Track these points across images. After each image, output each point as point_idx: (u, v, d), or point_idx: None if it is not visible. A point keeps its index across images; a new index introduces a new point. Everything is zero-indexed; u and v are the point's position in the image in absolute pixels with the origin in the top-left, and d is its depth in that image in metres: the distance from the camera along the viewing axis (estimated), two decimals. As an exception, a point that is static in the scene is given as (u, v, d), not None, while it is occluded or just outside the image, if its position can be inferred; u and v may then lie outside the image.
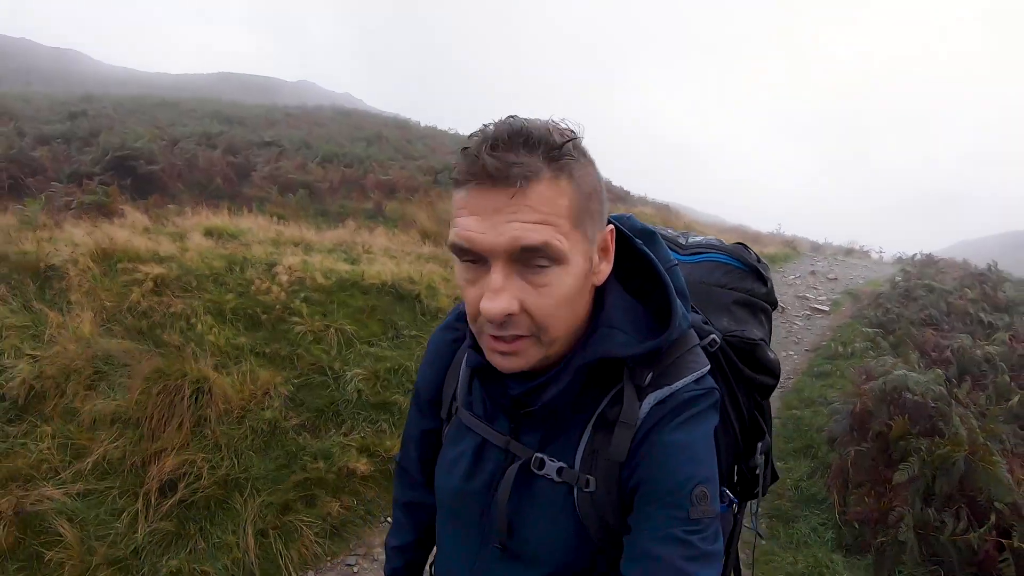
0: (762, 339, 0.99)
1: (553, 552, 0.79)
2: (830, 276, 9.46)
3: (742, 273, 1.03)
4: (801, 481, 3.41)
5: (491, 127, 0.68)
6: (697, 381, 0.77)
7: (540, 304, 0.69)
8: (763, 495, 1.05)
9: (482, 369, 0.79)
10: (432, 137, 17.17)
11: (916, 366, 4.01)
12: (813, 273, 9.67)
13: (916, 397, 3.20)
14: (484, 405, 0.86)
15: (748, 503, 1.07)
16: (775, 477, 1.08)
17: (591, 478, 0.76)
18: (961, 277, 7.16)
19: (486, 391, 0.82)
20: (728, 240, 1.12)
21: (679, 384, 0.75)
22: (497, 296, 0.67)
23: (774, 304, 1.06)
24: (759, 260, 1.07)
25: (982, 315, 5.76)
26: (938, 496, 2.84)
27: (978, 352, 4.61)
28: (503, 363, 0.73)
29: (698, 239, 1.08)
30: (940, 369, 4.12)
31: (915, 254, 10.50)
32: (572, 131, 0.70)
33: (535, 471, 0.79)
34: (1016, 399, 3.76)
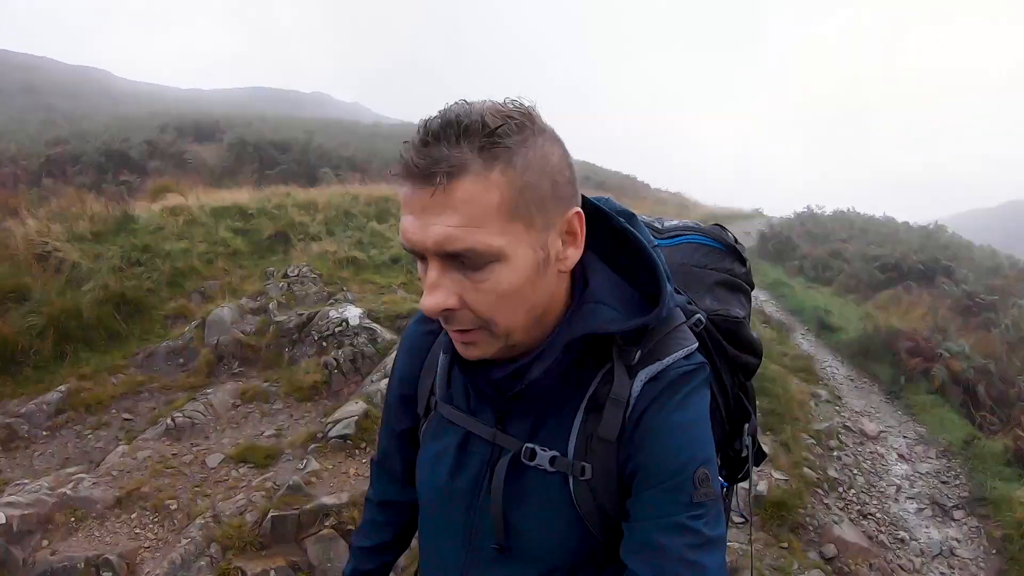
0: (745, 317, 1.02)
1: (551, 548, 0.79)
2: (774, 221, 18.24)
3: (721, 253, 1.07)
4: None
5: (428, 118, 0.67)
6: (687, 357, 0.78)
7: (480, 300, 0.70)
8: (750, 476, 1.08)
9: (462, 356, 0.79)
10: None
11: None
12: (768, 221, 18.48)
13: (778, 232, 11.90)
14: (467, 396, 0.85)
15: (735, 487, 1.11)
16: (761, 456, 1.08)
17: (587, 465, 0.76)
18: (834, 215, 15.97)
19: (468, 379, 0.82)
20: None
21: (669, 360, 0.77)
22: (432, 293, 0.69)
23: (752, 285, 1.10)
24: (736, 241, 1.10)
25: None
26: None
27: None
28: (464, 352, 0.76)
29: (674, 223, 1.11)
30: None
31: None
32: (518, 110, 0.68)
33: (526, 462, 0.78)
34: (808, 262, 12.49)
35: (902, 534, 3.50)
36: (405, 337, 1.00)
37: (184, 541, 2.66)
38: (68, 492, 2.94)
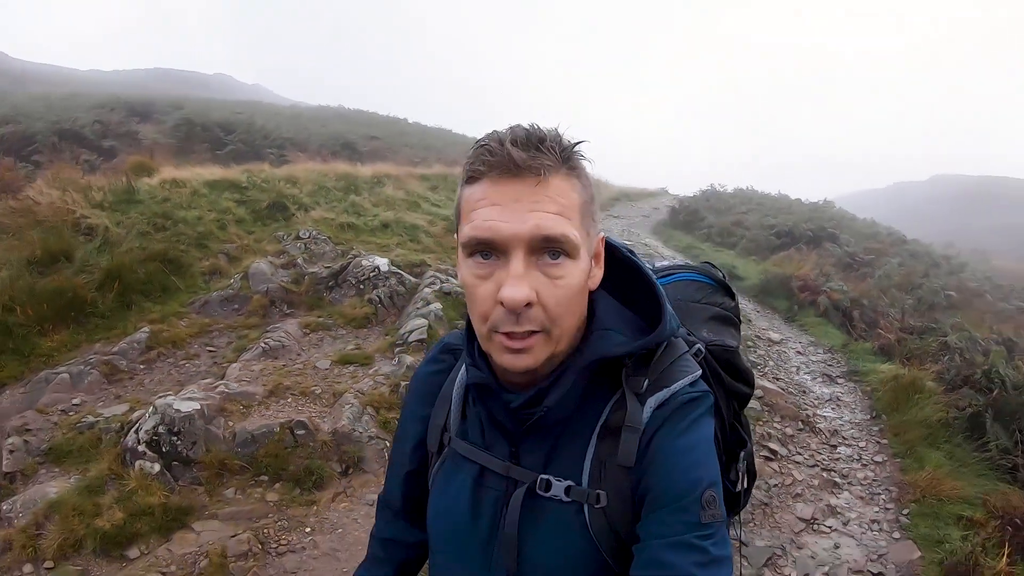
0: (738, 347, 1.09)
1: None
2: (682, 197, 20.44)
3: (712, 289, 1.16)
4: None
5: (504, 130, 0.75)
6: (692, 384, 0.82)
7: (555, 296, 0.74)
8: (744, 504, 1.13)
9: (482, 386, 0.83)
10: (422, 132, 26.43)
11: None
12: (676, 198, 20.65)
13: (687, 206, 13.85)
14: (481, 431, 0.88)
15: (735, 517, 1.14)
16: (752, 477, 1.13)
17: (602, 493, 0.79)
18: (735, 193, 18.27)
19: (486, 408, 0.85)
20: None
21: (676, 387, 0.81)
22: (519, 284, 0.72)
23: (740, 319, 1.18)
24: (726, 277, 1.20)
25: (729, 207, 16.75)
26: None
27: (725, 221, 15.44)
28: (514, 361, 0.77)
29: (665, 263, 1.20)
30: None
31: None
32: (575, 141, 0.78)
33: (541, 494, 0.81)
34: (714, 230, 14.58)
35: (803, 389, 5.21)
36: (415, 379, 1.03)
37: (347, 407, 3.78)
38: (226, 390, 3.90)
